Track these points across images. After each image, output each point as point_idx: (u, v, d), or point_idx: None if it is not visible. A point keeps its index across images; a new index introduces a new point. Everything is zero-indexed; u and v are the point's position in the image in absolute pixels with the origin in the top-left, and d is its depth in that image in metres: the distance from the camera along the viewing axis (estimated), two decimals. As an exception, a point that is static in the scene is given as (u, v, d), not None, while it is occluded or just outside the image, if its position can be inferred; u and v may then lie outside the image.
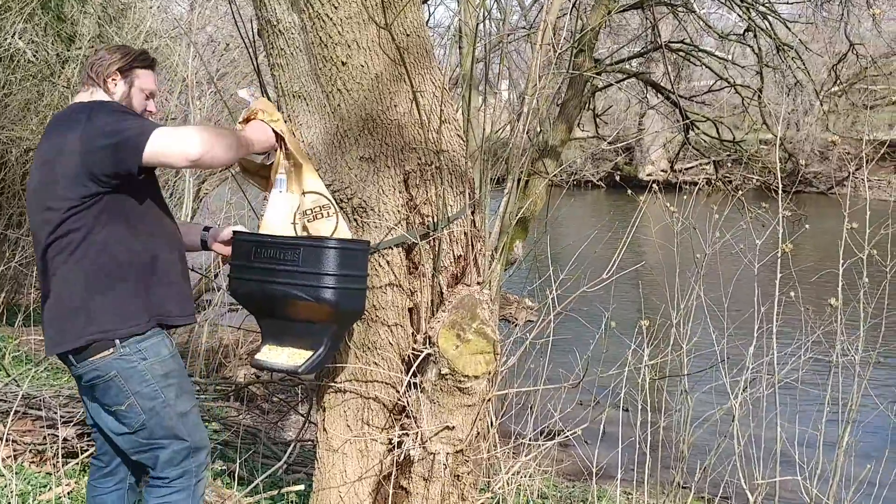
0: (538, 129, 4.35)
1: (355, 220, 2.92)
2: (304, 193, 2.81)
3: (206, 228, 3.03)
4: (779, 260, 3.32)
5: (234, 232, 2.93)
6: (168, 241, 2.73)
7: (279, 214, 2.87)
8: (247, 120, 2.82)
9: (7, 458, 3.78)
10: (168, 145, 2.48)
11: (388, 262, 2.98)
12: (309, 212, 2.81)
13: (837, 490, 3.24)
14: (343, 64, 2.74)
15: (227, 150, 2.60)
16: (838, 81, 8.35)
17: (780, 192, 3.45)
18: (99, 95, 2.66)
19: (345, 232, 2.84)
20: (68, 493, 3.56)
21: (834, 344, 3.28)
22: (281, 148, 2.82)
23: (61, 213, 2.50)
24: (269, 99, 3.06)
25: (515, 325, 5.57)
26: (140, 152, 2.46)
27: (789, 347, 4.10)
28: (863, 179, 3.37)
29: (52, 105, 7.39)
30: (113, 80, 2.67)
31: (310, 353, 2.85)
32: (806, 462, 3.35)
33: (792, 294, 3.41)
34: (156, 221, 2.69)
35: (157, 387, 2.60)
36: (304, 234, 2.83)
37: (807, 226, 4.16)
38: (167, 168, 2.76)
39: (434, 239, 3.00)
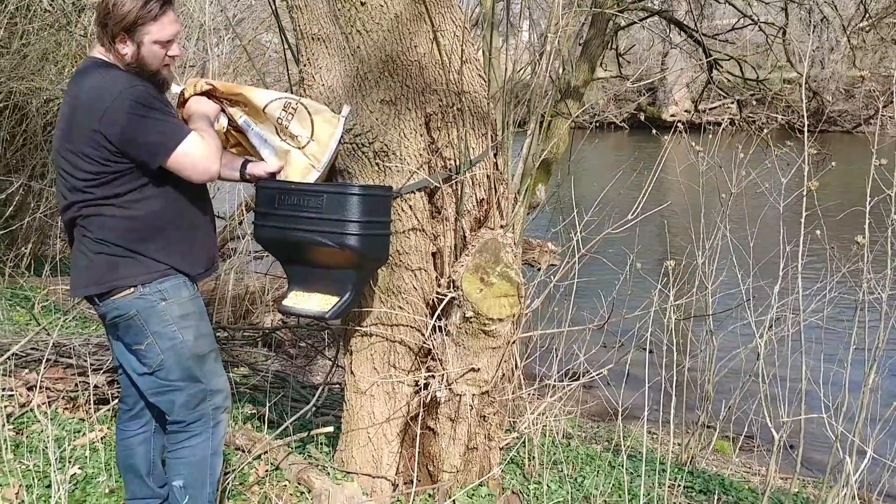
0: (560, 70, 4.29)
1: (377, 164, 2.91)
2: (264, 110, 2.80)
3: (246, 163, 2.99)
4: (804, 199, 3.27)
5: (257, 180, 2.92)
6: (193, 197, 2.71)
7: (270, 148, 2.87)
8: (183, 104, 2.80)
9: (42, 404, 3.86)
10: (196, 162, 2.51)
11: (410, 206, 2.98)
12: (280, 119, 2.80)
13: (863, 428, 3.24)
14: (362, 4, 2.71)
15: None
16: (867, 16, 8.11)
17: (805, 130, 3.39)
18: (112, 57, 2.56)
19: (318, 108, 2.82)
20: (101, 439, 3.63)
21: (860, 282, 3.24)
22: (219, 102, 2.82)
23: (85, 180, 2.51)
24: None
25: (538, 269, 5.58)
26: (166, 158, 2.48)
27: (815, 286, 4.07)
28: (890, 117, 3.29)
29: (70, 55, 7.36)
30: (122, 41, 2.53)
31: (336, 298, 2.87)
32: (831, 400, 3.35)
33: (818, 232, 3.37)
34: (183, 182, 2.68)
35: (175, 327, 2.62)
36: (292, 141, 2.83)
37: (833, 164, 4.09)
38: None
39: (456, 182, 2.99)
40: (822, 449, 4.05)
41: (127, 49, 2.54)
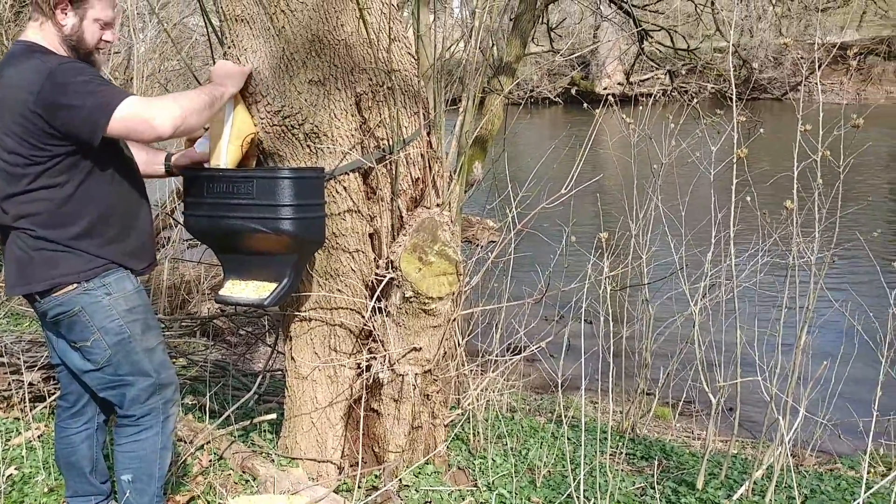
0: (491, 45, 4.28)
1: (308, 146, 2.86)
2: None
3: (169, 157, 2.93)
4: (734, 166, 3.33)
5: (183, 168, 2.86)
6: (133, 190, 2.65)
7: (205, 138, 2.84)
8: None
9: (-27, 405, 3.76)
10: (137, 122, 2.38)
11: (345, 188, 2.95)
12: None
13: (796, 388, 3.33)
14: (285, -17, 2.65)
15: (199, 115, 2.53)
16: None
17: (734, 98, 3.45)
18: (48, 28, 2.49)
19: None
20: (38, 437, 3.55)
21: (790, 246, 3.32)
22: None
23: (20, 167, 2.42)
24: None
25: (478, 246, 5.59)
26: (107, 123, 2.36)
27: (747, 252, 4.17)
28: (816, 83, 3.36)
29: None
30: (63, 10, 2.47)
31: (274, 284, 2.83)
32: (766, 363, 3.44)
33: (748, 199, 3.44)
34: (121, 172, 2.60)
35: (122, 322, 2.56)
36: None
37: (762, 131, 4.17)
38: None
39: (390, 162, 2.97)
40: (759, 410, 4.15)
41: (67, 20, 2.47)
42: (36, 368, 3.97)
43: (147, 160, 2.85)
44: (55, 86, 2.36)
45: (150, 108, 2.42)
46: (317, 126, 2.83)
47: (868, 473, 3.63)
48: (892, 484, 3.05)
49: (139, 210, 2.67)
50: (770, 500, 3.18)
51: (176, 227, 7.36)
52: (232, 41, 2.81)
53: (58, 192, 2.45)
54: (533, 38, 7.73)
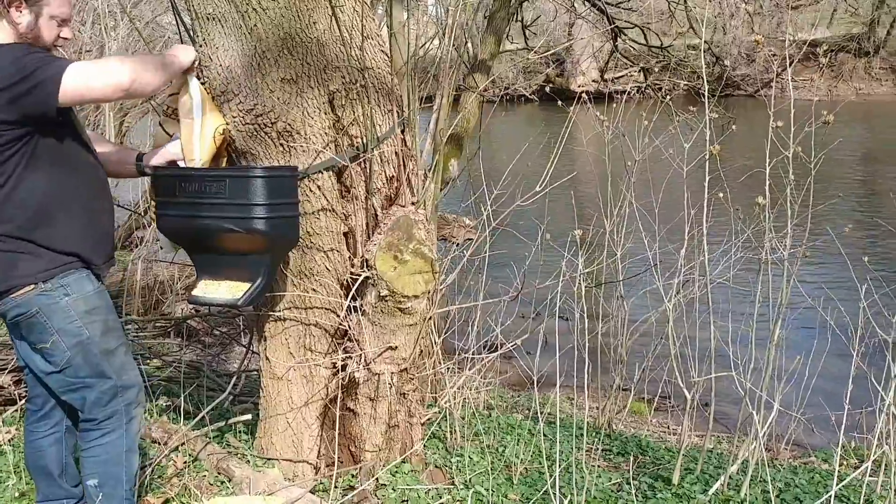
0: (465, 42, 4.28)
1: (281, 144, 2.85)
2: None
3: (140, 157, 2.89)
4: (706, 162, 3.35)
5: (154, 168, 2.83)
6: (91, 182, 2.62)
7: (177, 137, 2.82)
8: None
9: (-58, 410, 3.70)
10: (90, 78, 2.37)
11: (318, 186, 2.93)
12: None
13: (770, 382, 3.36)
14: (256, -19, 2.63)
15: (154, 73, 2.52)
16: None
17: (706, 95, 3.46)
18: (3, 25, 2.45)
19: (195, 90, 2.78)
20: (9, 441, 3.50)
21: (763, 242, 3.35)
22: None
23: None
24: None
25: (455, 244, 5.58)
26: (56, 91, 2.33)
27: (720, 248, 4.20)
28: (788, 80, 3.39)
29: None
30: (17, 8, 2.43)
31: (248, 284, 2.81)
32: (740, 358, 3.46)
33: (721, 195, 3.46)
34: (77, 163, 2.57)
35: (81, 323, 2.52)
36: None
37: (734, 127, 4.19)
38: (92, 103, 2.61)
39: (364, 160, 2.96)
40: (734, 405, 4.18)
41: (22, 18, 2.44)
42: (6, 371, 3.92)
43: (118, 160, 2.82)
44: (4, 72, 2.35)
45: (99, 65, 2.44)
46: (289, 124, 2.81)
47: (841, 466, 3.67)
48: (864, 476, 3.09)
49: (98, 201, 2.63)
50: (745, 494, 3.21)
51: (149, 227, 7.29)
52: (203, 39, 2.78)
53: (11, 184, 2.42)
54: (508, 36, 7.73)
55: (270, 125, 2.80)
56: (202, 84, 2.80)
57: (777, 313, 3.32)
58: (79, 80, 2.35)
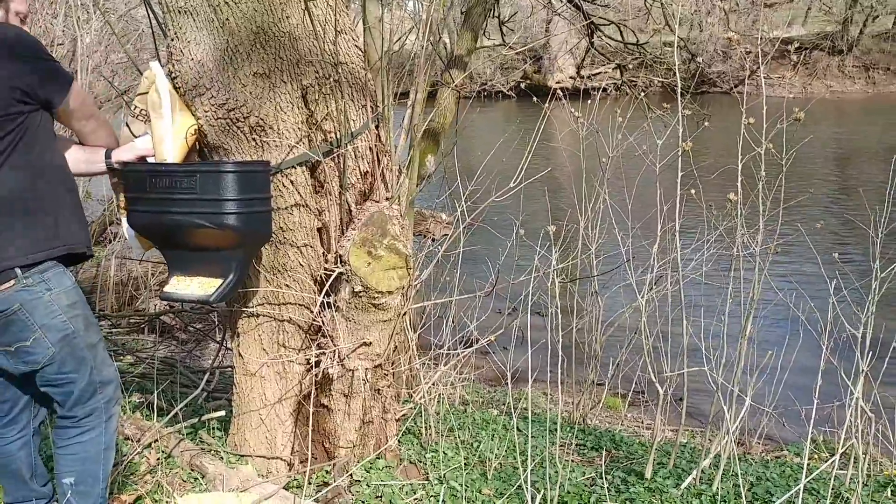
0: (441, 37, 4.27)
1: (254, 139, 2.83)
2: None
3: (108, 154, 2.86)
4: (679, 159, 3.37)
5: (124, 164, 2.80)
6: (65, 173, 2.60)
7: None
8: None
9: None
10: (87, 97, 2.49)
11: (292, 182, 2.92)
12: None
13: (742, 377, 3.39)
14: (228, -25, 2.61)
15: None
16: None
17: (679, 92, 3.48)
18: None
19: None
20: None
21: (734, 238, 3.37)
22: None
23: None
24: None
25: (432, 240, 5.58)
26: (69, 84, 2.43)
27: (693, 244, 4.22)
28: (762, 77, 3.42)
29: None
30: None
31: (220, 280, 2.79)
32: (712, 353, 3.49)
33: (693, 192, 3.49)
34: (54, 154, 2.55)
35: (65, 317, 2.49)
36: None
37: (706, 124, 4.23)
38: (69, 124, 2.62)
39: (338, 156, 2.94)
40: (707, 400, 4.22)
41: None
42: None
43: (87, 158, 2.78)
44: (22, 48, 2.38)
45: None
46: (262, 119, 2.79)
47: (811, 460, 3.72)
48: (833, 469, 3.12)
49: (72, 194, 2.61)
50: (717, 488, 3.24)
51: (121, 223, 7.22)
52: (175, 33, 2.75)
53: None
54: (485, 32, 7.72)
55: (243, 120, 2.78)
56: (172, 79, 2.77)
57: (748, 308, 3.35)
58: (82, 92, 2.45)
